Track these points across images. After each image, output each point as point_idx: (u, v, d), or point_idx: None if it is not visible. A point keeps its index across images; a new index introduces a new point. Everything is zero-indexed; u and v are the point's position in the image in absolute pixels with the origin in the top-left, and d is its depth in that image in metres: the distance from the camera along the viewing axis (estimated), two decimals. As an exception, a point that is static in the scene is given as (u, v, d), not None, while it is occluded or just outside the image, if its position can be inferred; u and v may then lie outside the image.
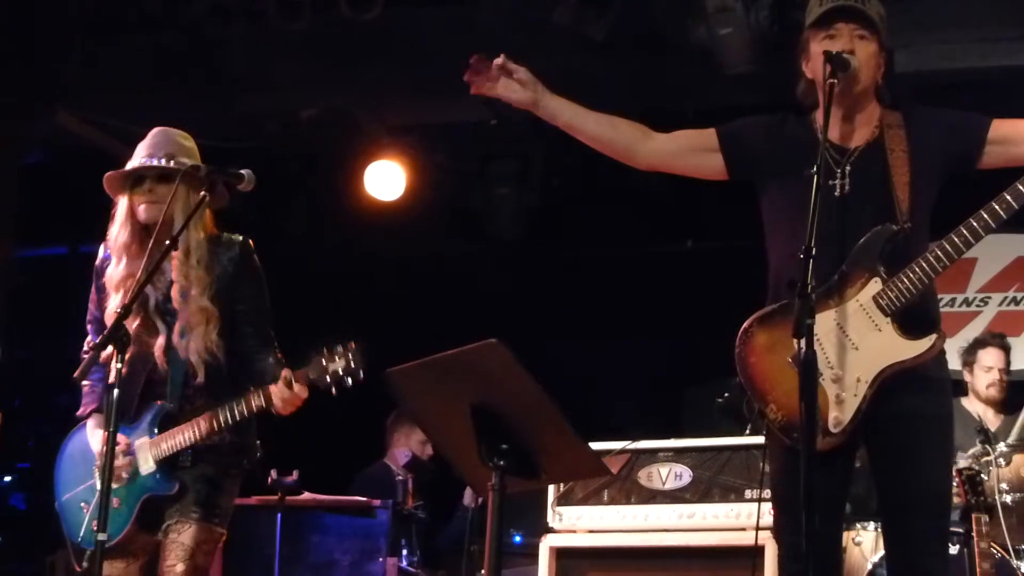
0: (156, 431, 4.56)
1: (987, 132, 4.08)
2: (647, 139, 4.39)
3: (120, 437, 4.45)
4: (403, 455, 8.06)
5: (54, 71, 7.92)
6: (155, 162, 4.60)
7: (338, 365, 4.41)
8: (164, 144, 4.66)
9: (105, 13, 7.67)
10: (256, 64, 8.05)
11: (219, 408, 4.47)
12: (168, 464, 4.53)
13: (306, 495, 7.19)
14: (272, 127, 8.68)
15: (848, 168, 4.06)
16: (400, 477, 7.95)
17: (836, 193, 4.02)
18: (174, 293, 4.56)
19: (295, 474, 6.93)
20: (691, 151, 4.38)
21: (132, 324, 4.41)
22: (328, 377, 4.42)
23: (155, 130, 4.74)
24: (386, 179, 9.09)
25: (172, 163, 4.59)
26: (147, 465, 4.56)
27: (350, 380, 4.42)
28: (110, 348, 4.24)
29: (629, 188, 9.08)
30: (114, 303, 4.60)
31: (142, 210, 4.61)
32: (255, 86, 8.30)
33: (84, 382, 4.72)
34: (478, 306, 8.97)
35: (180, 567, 4.47)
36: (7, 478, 7.21)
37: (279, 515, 6.94)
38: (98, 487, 4.48)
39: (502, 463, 3.58)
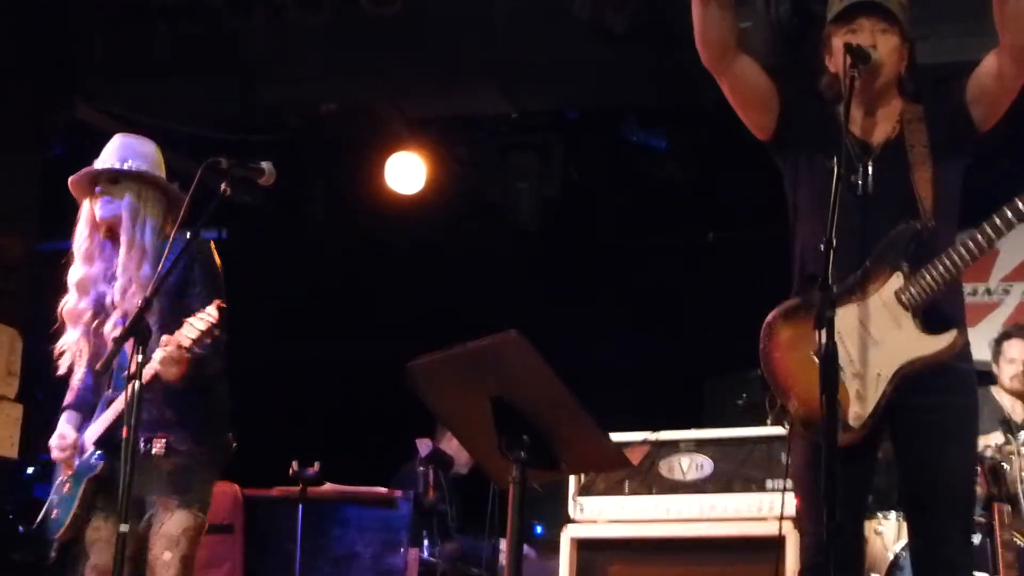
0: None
1: (965, 96, 4.07)
2: (737, 50, 4.21)
3: (71, 434, 4.79)
4: (424, 447, 8.03)
5: (73, 63, 7.95)
6: (107, 165, 4.82)
7: (199, 323, 4.47)
8: (118, 149, 4.88)
9: (125, 4, 7.66)
10: (277, 56, 8.01)
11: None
12: (103, 444, 4.69)
13: (328, 486, 7.18)
14: (292, 119, 8.64)
15: (871, 167, 4.03)
16: (421, 469, 7.93)
17: (859, 192, 4.00)
18: (118, 290, 4.74)
19: (316, 465, 6.93)
20: (756, 90, 4.25)
21: (92, 321, 4.75)
22: (190, 335, 4.46)
23: (115, 136, 4.96)
24: (406, 172, 9.05)
25: (124, 165, 4.82)
26: (88, 450, 4.75)
27: (207, 336, 4.47)
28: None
29: (648, 180, 9.02)
30: (70, 301, 4.83)
31: (97, 210, 4.83)
32: (275, 78, 8.25)
33: (75, 380, 4.92)
34: (498, 298, 8.95)
35: (168, 555, 4.60)
36: (30, 469, 7.23)
37: (300, 507, 6.93)
38: (58, 481, 4.82)
39: (522, 455, 3.56)
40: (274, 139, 8.46)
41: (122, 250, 4.75)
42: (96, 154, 4.97)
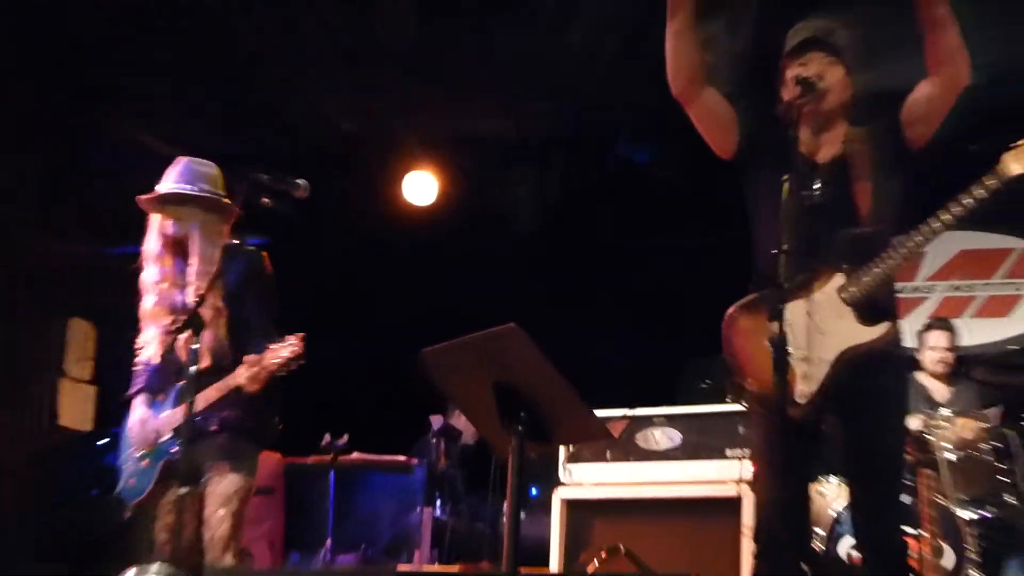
0: (173, 407, 4.85)
1: (900, 120, 4.03)
2: (703, 83, 4.21)
3: (151, 423, 4.83)
4: (436, 422, 8.05)
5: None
6: (178, 188, 4.85)
7: (284, 351, 4.51)
8: (185, 172, 4.89)
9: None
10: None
11: (208, 387, 4.63)
12: (177, 432, 4.74)
13: (355, 455, 7.21)
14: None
15: (819, 182, 4.04)
16: (433, 441, 7.95)
17: (808, 203, 4.00)
18: (191, 294, 4.75)
19: (345, 437, 6.95)
20: (719, 117, 4.26)
21: (167, 321, 4.77)
22: (276, 360, 4.51)
23: (179, 159, 4.97)
24: (421, 187, 9.01)
25: (191, 189, 4.83)
26: (166, 435, 4.81)
27: (292, 363, 4.52)
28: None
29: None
30: (148, 303, 4.86)
31: (168, 226, 4.87)
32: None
33: (137, 367, 4.98)
34: (498, 297, 8.88)
35: (221, 511, 4.66)
36: (102, 440, 7.23)
37: (332, 472, 6.96)
38: (135, 456, 4.85)
39: (520, 429, 3.56)
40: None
41: (194, 260, 4.79)
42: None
